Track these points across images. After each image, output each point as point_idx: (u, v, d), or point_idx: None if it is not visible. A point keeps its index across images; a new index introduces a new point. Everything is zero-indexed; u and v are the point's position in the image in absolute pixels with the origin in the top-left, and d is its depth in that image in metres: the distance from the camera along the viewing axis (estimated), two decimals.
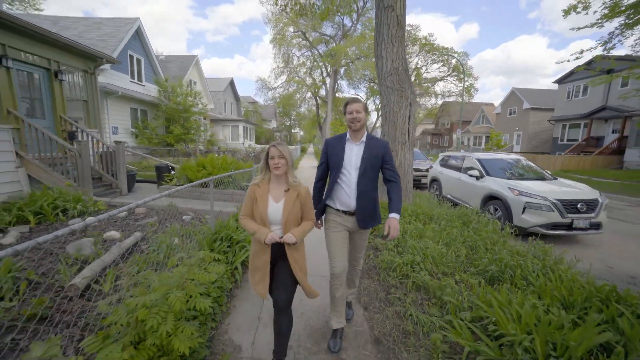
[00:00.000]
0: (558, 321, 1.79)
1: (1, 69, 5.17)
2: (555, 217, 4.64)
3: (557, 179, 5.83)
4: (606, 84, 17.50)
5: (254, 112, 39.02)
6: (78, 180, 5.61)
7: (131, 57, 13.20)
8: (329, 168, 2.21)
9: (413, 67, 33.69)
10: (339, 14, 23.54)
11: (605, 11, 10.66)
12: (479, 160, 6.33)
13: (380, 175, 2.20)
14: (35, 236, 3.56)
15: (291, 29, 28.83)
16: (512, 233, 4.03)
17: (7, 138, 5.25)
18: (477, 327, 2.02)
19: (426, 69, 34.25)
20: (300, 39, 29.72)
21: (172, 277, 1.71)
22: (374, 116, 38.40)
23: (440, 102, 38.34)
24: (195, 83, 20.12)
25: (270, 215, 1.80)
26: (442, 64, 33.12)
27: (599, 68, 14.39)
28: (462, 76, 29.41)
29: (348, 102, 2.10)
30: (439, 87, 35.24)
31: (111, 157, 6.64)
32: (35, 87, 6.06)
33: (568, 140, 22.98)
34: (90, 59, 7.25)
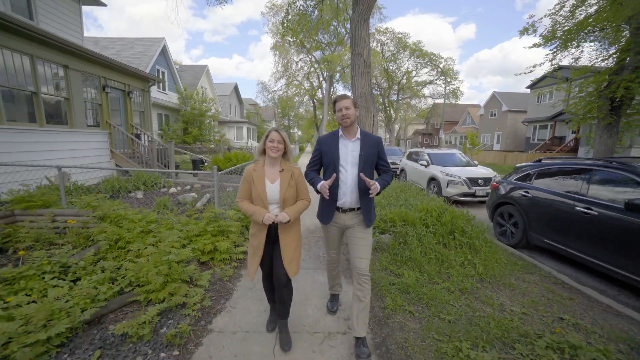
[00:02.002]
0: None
1: (103, 93, 7.75)
2: (465, 189, 7.30)
3: (477, 165, 8.50)
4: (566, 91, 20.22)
5: (255, 114, 41.55)
6: (149, 167, 8.19)
7: (158, 70, 15.73)
8: (323, 165, 2.18)
9: (404, 71, 36.44)
10: (330, 27, 25.98)
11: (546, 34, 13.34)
12: (428, 154, 9.00)
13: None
14: (151, 198, 6.11)
15: (289, 38, 31.40)
16: (444, 200, 6.67)
17: (106, 139, 7.83)
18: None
19: (416, 73, 36.96)
20: (299, 47, 32.23)
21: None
22: None
23: (430, 103, 41.15)
24: (205, 89, 22.63)
25: (268, 195, 1.90)
26: (431, 67, 35.68)
27: (559, 76, 17.12)
28: (449, 79, 32.20)
29: (336, 99, 2.04)
30: (429, 89, 37.91)
31: (164, 152, 9.22)
32: (117, 103, 8.62)
33: (538, 139, 25.77)
34: (146, 81, 9.82)
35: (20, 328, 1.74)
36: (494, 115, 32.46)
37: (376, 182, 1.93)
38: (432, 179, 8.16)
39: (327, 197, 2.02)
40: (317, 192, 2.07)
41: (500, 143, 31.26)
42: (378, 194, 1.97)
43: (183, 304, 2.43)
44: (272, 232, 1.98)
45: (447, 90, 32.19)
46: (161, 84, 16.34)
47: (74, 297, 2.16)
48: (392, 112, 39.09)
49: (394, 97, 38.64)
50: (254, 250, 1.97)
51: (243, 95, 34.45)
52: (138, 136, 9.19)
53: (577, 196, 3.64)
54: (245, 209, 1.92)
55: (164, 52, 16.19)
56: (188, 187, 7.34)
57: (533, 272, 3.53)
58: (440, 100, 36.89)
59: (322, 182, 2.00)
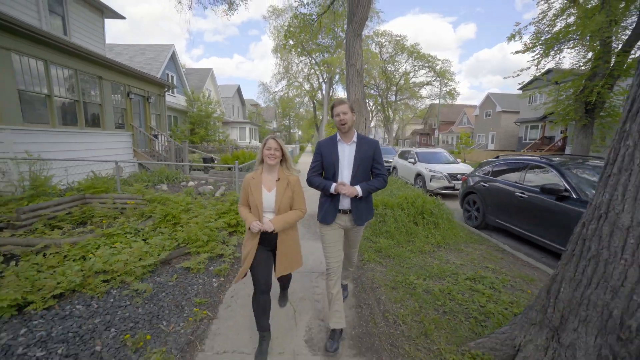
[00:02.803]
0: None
1: (127, 99, 8.82)
2: (446, 183, 8.35)
3: (459, 162, 9.55)
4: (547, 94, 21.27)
5: (256, 115, 42.62)
6: (167, 164, 9.25)
7: (167, 74, 16.80)
8: (324, 168, 2.23)
9: (402, 72, 37.43)
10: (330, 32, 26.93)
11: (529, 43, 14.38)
12: (415, 153, 10.06)
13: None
14: (174, 190, 7.16)
15: (291, 41, 32.45)
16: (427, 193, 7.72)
17: (130, 140, 8.90)
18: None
19: (414, 74, 37.95)
20: (300, 49, 33.28)
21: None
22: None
23: (428, 104, 42.21)
24: (210, 91, 23.70)
25: (264, 203, 1.94)
26: (428, 69, 36.60)
27: (545, 79, 18.15)
28: (446, 81, 33.26)
29: (334, 104, 2.11)
30: (426, 90, 38.88)
31: (179, 151, 10.28)
32: (137, 107, 9.69)
33: (530, 139, 26.81)
34: (162, 87, 10.89)
35: (130, 259, 2.81)
36: (489, 115, 33.48)
37: (357, 187, 2.05)
38: (418, 175, 9.22)
39: (347, 193, 2.04)
40: (331, 194, 2.12)
41: (495, 143, 32.31)
42: (359, 198, 2.08)
43: (221, 254, 3.50)
44: (272, 241, 2.01)
45: (444, 92, 33.26)
46: (171, 88, 17.39)
47: (150, 247, 3.22)
48: (390, 112, 40.07)
49: (392, 98, 39.60)
50: (245, 254, 1.98)
51: (244, 96, 35.48)
52: (156, 137, 10.26)
53: (517, 184, 4.70)
54: (242, 215, 2.00)
55: (173, 58, 17.25)
56: (203, 181, 8.41)
57: (483, 243, 4.59)
58: (437, 101, 37.91)
59: (333, 183, 2.09)
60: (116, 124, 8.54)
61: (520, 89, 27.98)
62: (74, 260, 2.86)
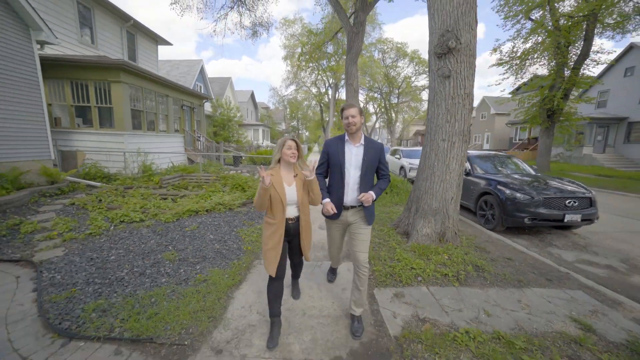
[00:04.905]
0: None
1: (181, 110, 11.77)
2: None
3: None
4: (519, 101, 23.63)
5: (267, 117, 45.69)
6: (209, 159, 12.17)
7: (197, 85, 19.83)
8: (330, 167, 2.37)
9: (403, 77, 39.85)
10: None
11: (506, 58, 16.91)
12: (401, 150, 12.78)
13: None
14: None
15: (299, 50, 35.37)
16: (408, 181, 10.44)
17: (182, 140, 11.85)
18: None
19: (415, 78, 40.34)
20: (310, 63, 36.17)
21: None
22: (373, 118, 45.23)
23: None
24: (229, 97, 26.73)
25: (287, 197, 2.11)
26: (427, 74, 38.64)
27: (527, 85, 20.55)
28: None
29: (344, 107, 2.24)
30: (427, 93, 41.12)
31: (216, 149, 13.19)
32: (186, 115, 12.65)
33: (519, 139, 29.08)
34: (202, 98, 13.85)
35: (229, 200, 5.69)
36: (484, 117, 35.75)
37: (372, 193, 2.21)
38: (402, 167, 11.93)
39: (333, 212, 2.26)
40: (336, 191, 2.31)
41: (490, 143, 34.57)
42: (374, 201, 2.24)
43: None
44: (291, 231, 2.20)
45: None
46: None
47: (232, 198, 6.05)
48: (392, 114, 42.52)
49: (395, 100, 41.99)
50: (273, 245, 2.11)
51: (258, 100, 38.51)
52: (198, 138, 13.21)
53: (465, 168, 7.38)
54: (255, 198, 2.09)
55: (202, 71, 20.29)
56: (239, 171, 11.28)
57: None
58: None
59: (328, 200, 2.29)
60: (175, 129, 11.49)
61: (510, 93, 30.39)
62: (203, 200, 5.73)
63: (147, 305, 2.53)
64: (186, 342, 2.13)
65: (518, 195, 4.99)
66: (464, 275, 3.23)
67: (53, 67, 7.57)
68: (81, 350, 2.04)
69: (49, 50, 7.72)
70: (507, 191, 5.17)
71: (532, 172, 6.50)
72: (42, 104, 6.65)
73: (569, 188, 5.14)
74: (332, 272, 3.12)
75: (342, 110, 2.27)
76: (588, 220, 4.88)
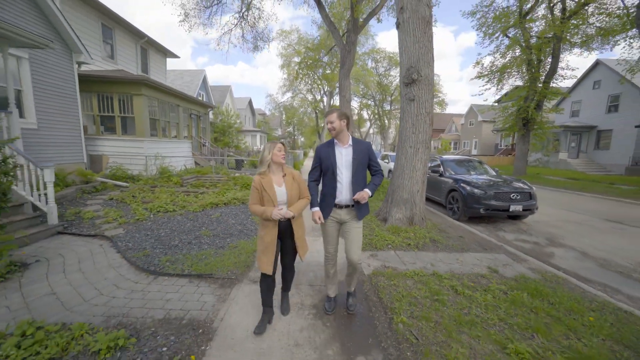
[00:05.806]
0: None
1: (189, 118, 12.92)
2: None
3: None
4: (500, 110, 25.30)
5: (264, 123, 46.94)
6: (214, 163, 13.31)
7: (200, 94, 21.01)
8: (323, 170, 2.52)
9: (395, 85, 41.49)
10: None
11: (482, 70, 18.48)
12: (389, 155, 14.13)
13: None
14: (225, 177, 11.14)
15: (296, 59, 36.87)
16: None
17: (189, 146, 12.99)
18: None
19: None
20: (303, 65, 37.59)
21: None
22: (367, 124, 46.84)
23: None
24: (228, 104, 27.92)
25: (278, 197, 2.26)
26: None
27: (507, 95, 22.18)
28: (435, 92, 37.34)
29: (325, 114, 2.42)
30: None
31: (221, 154, 14.34)
32: (193, 122, 13.80)
33: (505, 145, 30.79)
34: (207, 107, 15.03)
35: (239, 196, 6.89)
36: (472, 124, 37.51)
37: (367, 190, 2.38)
38: (390, 170, 13.22)
39: (321, 220, 2.43)
40: (329, 191, 2.47)
41: (477, 149, 36.27)
42: (371, 196, 2.39)
43: None
44: (282, 229, 2.33)
45: (434, 102, 37.19)
46: None
47: (244, 194, 7.22)
48: (385, 120, 44.06)
49: (388, 107, 43.55)
50: (267, 246, 2.28)
51: (255, 107, 39.75)
52: (204, 144, 14.36)
53: (439, 170, 8.65)
54: (257, 210, 2.23)
55: (204, 80, 21.50)
56: (242, 173, 12.44)
57: None
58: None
59: (317, 209, 2.46)
60: (184, 135, 12.63)
61: (495, 102, 32.19)
62: (220, 195, 6.89)
63: (201, 259, 3.70)
64: (233, 277, 3.31)
65: (476, 190, 6.28)
66: (422, 244, 4.47)
67: (85, 82, 8.71)
68: (167, 280, 3.21)
69: (81, 68, 8.87)
70: (468, 187, 6.45)
71: (494, 173, 7.82)
72: (78, 114, 7.78)
73: (515, 185, 6.46)
74: (330, 301, 2.76)
75: (324, 116, 2.54)
76: (529, 210, 6.18)
